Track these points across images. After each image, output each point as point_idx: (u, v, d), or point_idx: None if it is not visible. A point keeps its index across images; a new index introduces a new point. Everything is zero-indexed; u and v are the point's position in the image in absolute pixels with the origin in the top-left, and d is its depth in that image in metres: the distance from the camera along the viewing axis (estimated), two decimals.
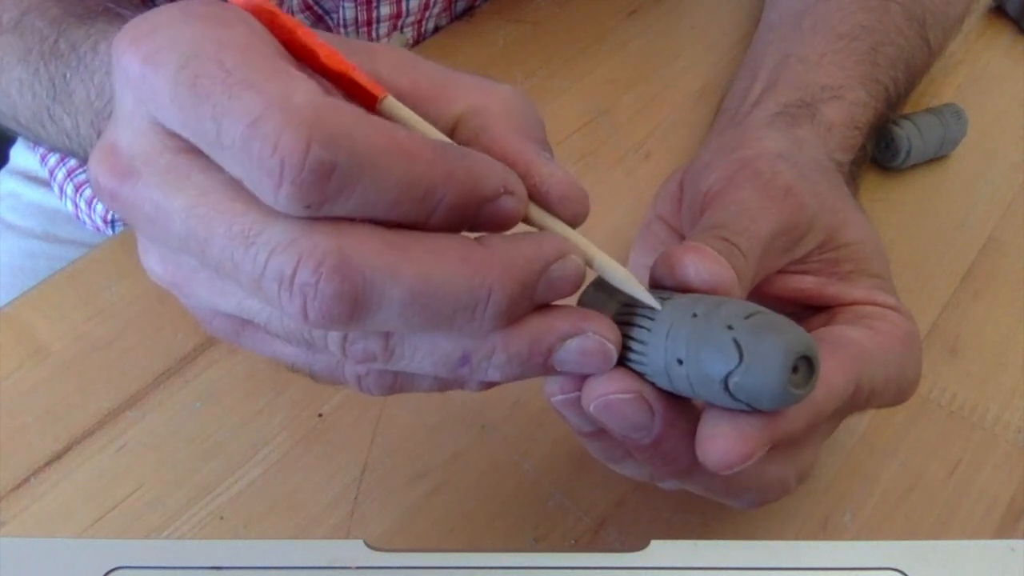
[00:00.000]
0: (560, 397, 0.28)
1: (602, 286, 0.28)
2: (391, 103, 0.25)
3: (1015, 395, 0.42)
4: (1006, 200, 0.50)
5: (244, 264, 0.22)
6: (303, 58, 0.24)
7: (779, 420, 0.27)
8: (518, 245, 0.24)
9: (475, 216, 0.24)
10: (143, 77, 0.23)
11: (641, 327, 0.27)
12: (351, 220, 0.22)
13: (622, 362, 0.27)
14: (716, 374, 0.25)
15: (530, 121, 0.27)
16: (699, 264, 0.27)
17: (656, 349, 0.26)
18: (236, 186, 0.23)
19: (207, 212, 0.23)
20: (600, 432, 0.29)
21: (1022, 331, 0.44)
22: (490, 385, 0.27)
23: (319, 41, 0.24)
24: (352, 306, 0.22)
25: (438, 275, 0.22)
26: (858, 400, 0.30)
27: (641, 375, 0.27)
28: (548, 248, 0.24)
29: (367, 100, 0.25)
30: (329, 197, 0.21)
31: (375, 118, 0.22)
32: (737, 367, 0.24)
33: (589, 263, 0.26)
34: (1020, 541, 0.29)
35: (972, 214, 0.50)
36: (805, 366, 0.25)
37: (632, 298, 0.27)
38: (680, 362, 0.25)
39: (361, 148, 0.21)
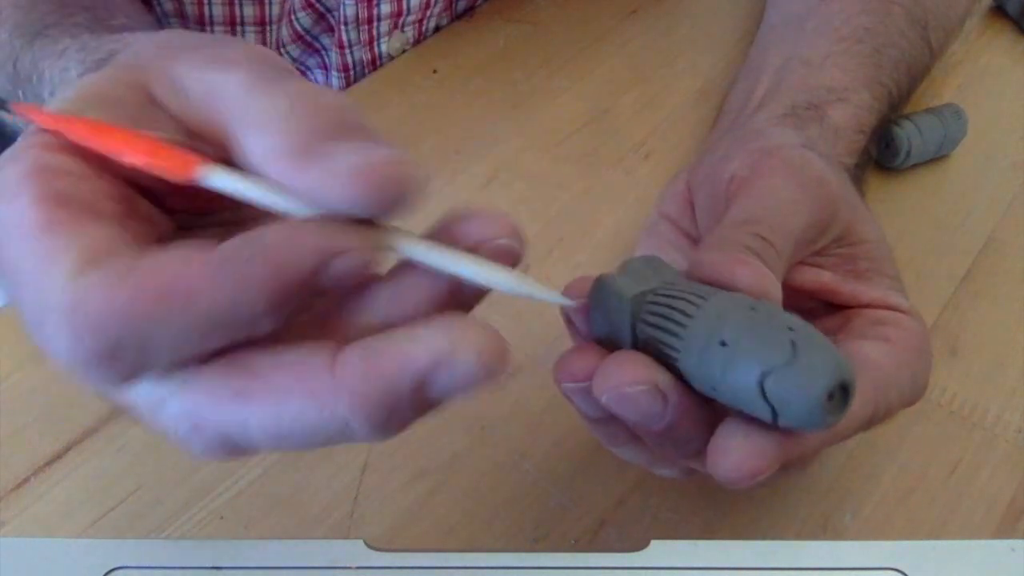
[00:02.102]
0: (570, 385, 0.28)
1: (648, 261, 0.28)
2: (208, 176, 0.22)
3: (1015, 395, 0.42)
4: (1006, 200, 0.50)
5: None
6: (107, 159, 0.23)
7: (795, 442, 0.26)
8: (379, 362, 0.20)
9: (315, 293, 0.21)
10: None
11: (689, 301, 0.26)
12: (200, 364, 0.21)
13: (650, 341, 0.27)
14: (758, 365, 0.24)
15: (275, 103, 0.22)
16: (750, 279, 0.27)
17: (700, 324, 0.25)
18: None
19: None
20: (606, 418, 0.29)
21: (1022, 331, 0.44)
22: None
23: (102, 132, 0.23)
24: (226, 451, 0.22)
25: (288, 416, 0.21)
26: (874, 421, 0.31)
27: (661, 353, 0.26)
28: (420, 358, 0.20)
29: (184, 172, 0.23)
30: (133, 371, 0.21)
31: (144, 273, 0.20)
32: (783, 366, 0.24)
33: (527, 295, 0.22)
34: (1020, 541, 0.29)
35: (972, 214, 0.50)
36: (840, 396, 0.24)
37: (669, 279, 0.27)
38: (724, 344, 0.25)
39: (130, 317, 0.20)
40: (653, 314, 0.27)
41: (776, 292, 0.28)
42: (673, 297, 0.26)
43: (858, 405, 0.29)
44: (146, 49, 0.26)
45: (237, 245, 0.20)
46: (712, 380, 0.25)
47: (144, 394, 0.22)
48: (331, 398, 0.20)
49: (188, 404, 0.22)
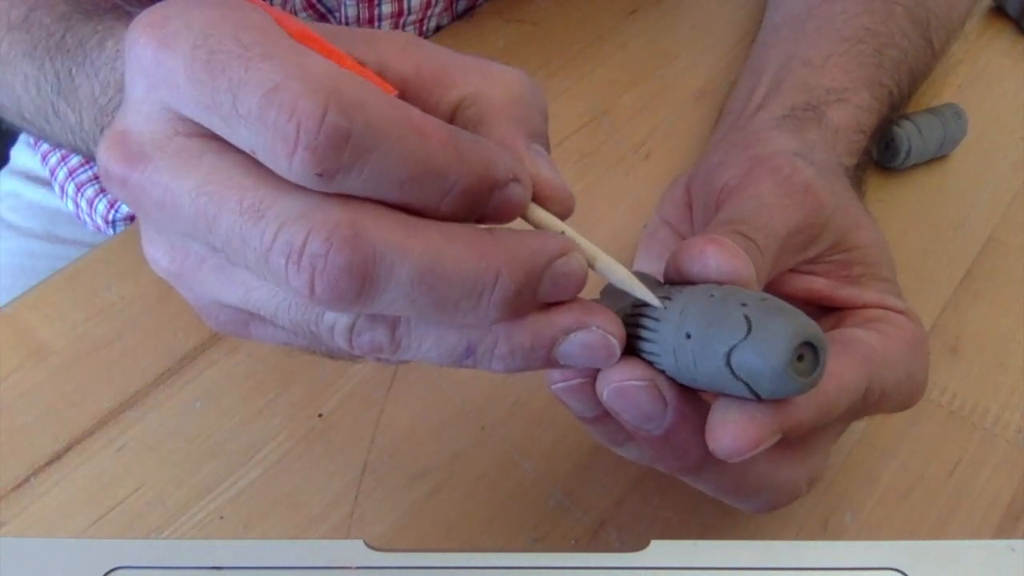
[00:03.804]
0: (561, 384, 0.28)
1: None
2: None
3: (1015, 395, 0.42)
4: (1006, 200, 0.50)
5: (252, 238, 0.22)
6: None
7: (789, 408, 0.27)
8: (523, 237, 0.24)
9: (485, 203, 0.24)
10: (157, 62, 0.23)
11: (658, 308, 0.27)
12: (364, 199, 0.23)
13: (636, 353, 0.27)
14: (721, 347, 0.25)
15: (529, 111, 0.27)
16: (719, 257, 0.27)
17: (668, 326, 0.26)
18: (248, 164, 0.23)
19: (217, 189, 0.23)
20: (602, 416, 0.29)
21: (1022, 331, 0.44)
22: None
23: (316, 36, 0.25)
24: (361, 280, 0.22)
25: (448, 256, 0.22)
26: (869, 402, 0.30)
27: (651, 363, 0.27)
28: (552, 244, 0.24)
29: None
30: (342, 167, 0.21)
31: (390, 96, 0.22)
32: (742, 341, 0.24)
33: (591, 263, 0.26)
34: (1020, 541, 0.29)
35: (972, 214, 0.50)
36: (811, 355, 0.25)
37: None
38: (689, 336, 0.25)
39: (376, 119, 0.21)
40: (632, 326, 0.27)
41: (747, 269, 0.28)
42: (646, 304, 0.27)
43: (850, 375, 0.29)
44: None
45: (465, 132, 0.23)
46: (691, 373, 0.26)
47: (308, 195, 0.22)
48: (490, 251, 0.23)
49: (355, 215, 0.22)
